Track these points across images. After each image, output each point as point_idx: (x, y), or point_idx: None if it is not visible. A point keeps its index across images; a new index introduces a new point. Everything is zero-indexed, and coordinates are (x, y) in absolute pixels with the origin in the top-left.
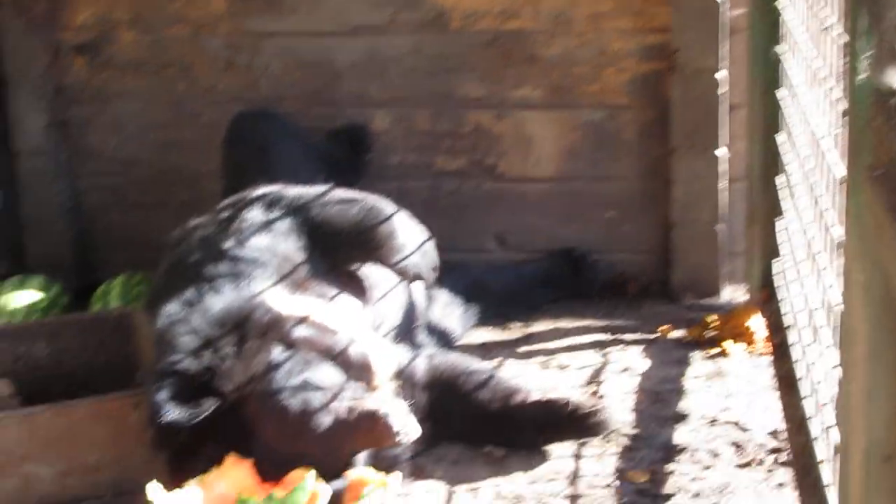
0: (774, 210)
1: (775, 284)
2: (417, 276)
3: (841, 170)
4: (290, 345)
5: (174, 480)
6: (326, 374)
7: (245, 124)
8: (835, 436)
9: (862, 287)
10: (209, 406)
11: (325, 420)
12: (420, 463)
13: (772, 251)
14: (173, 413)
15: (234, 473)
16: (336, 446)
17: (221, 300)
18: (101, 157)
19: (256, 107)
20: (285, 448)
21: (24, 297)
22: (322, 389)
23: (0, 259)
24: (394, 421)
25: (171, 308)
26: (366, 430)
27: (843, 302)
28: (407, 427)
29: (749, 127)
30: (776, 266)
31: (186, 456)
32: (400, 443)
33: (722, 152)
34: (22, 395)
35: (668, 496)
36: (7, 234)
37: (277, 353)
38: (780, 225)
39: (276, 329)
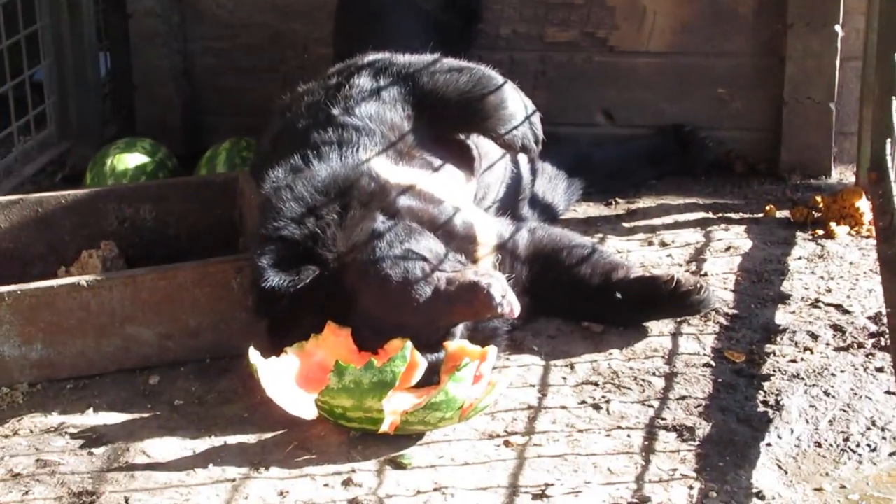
0: (890, 90)
1: (886, 166)
2: (524, 149)
3: None
4: (394, 214)
5: (274, 346)
6: (429, 245)
7: None
8: None
9: None
10: (310, 273)
11: (426, 290)
12: (517, 337)
13: (884, 132)
14: (275, 279)
15: (333, 341)
16: (436, 317)
17: (327, 167)
18: (213, 21)
19: None
20: (385, 318)
21: (132, 159)
22: (424, 259)
23: (109, 121)
24: (494, 293)
25: (277, 173)
26: (466, 302)
27: None
28: (506, 299)
29: (869, 2)
30: (888, 147)
31: (286, 322)
32: (500, 315)
33: (838, 29)
34: (127, 256)
35: (766, 377)
36: (117, 97)
37: (380, 222)
38: (895, 105)
39: (380, 198)
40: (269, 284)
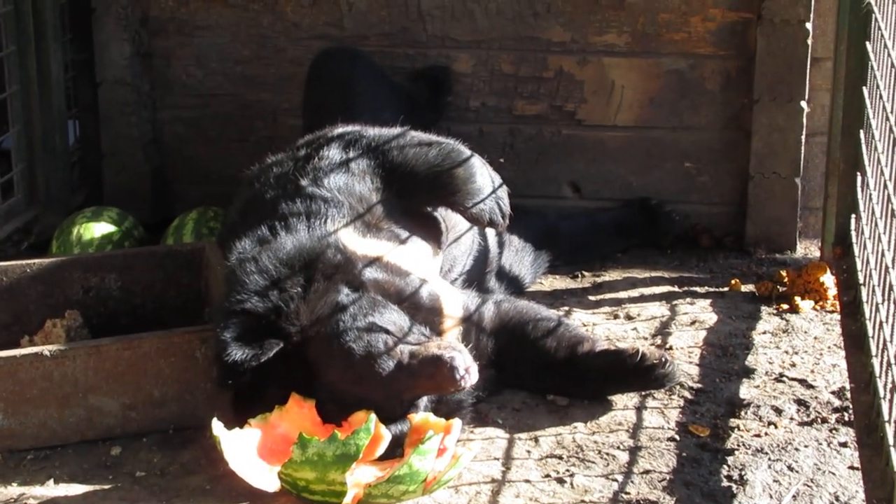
0: (855, 165)
1: (850, 241)
2: (491, 223)
3: None
4: (359, 286)
5: (237, 418)
6: (393, 317)
7: (328, 62)
8: None
9: None
10: (273, 347)
11: (389, 364)
12: (482, 409)
13: (848, 207)
14: (237, 353)
15: (297, 413)
16: (399, 390)
17: (293, 239)
18: (182, 90)
19: (340, 45)
20: (348, 391)
21: (98, 228)
22: (387, 333)
23: (76, 189)
24: (457, 367)
25: (244, 244)
26: (429, 376)
27: None
28: (470, 373)
29: (834, 79)
30: (852, 222)
31: (250, 395)
32: (462, 389)
33: (804, 105)
34: (91, 326)
35: (730, 451)
36: (85, 165)
37: (345, 294)
38: (859, 181)
39: (345, 270)
40: (231, 359)
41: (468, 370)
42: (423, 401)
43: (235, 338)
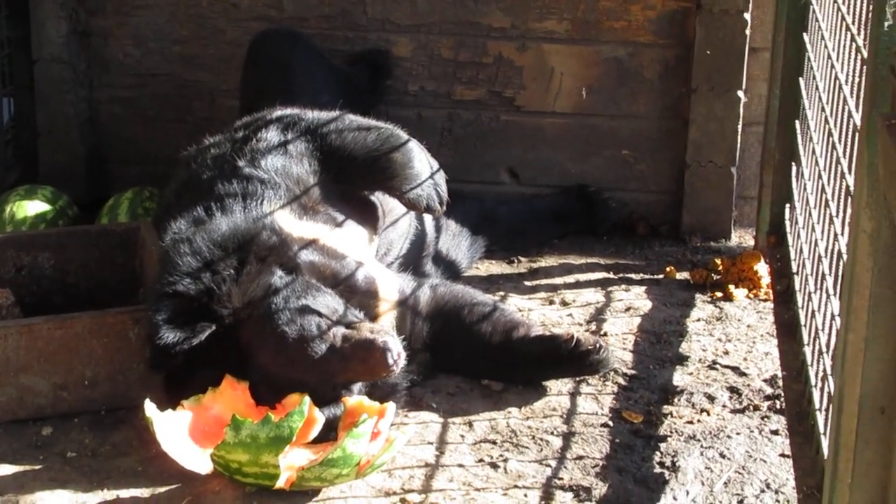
0: (790, 155)
1: (784, 230)
2: (428, 209)
3: (858, 117)
4: (294, 268)
5: (170, 400)
6: (326, 301)
7: (267, 44)
8: (831, 385)
9: (869, 236)
10: (205, 330)
11: (321, 347)
12: (417, 393)
13: (783, 197)
14: (169, 335)
15: (231, 395)
16: (332, 374)
17: (228, 220)
18: (120, 69)
19: (280, 26)
20: (281, 373)
21: (32, 206)
22: (320, 316)
23: (11, 167)
24: (388, 352)
25: (179, 225)
26: (361, 360)
27: (848, 250)
28: (400, 359)
29: (771, 69)
30: (787, 212)
31: (183, 377)
32: (393, 374)
33: (741, 94)
34: (23, 305)
35: (663, 438)
36: (20, 143)
37: (278, 276)
38: (794, 171)
39: (279, 252)
40: (163, 342)
41: (400, 355)
42: (358, 384)
43: (167, 320)
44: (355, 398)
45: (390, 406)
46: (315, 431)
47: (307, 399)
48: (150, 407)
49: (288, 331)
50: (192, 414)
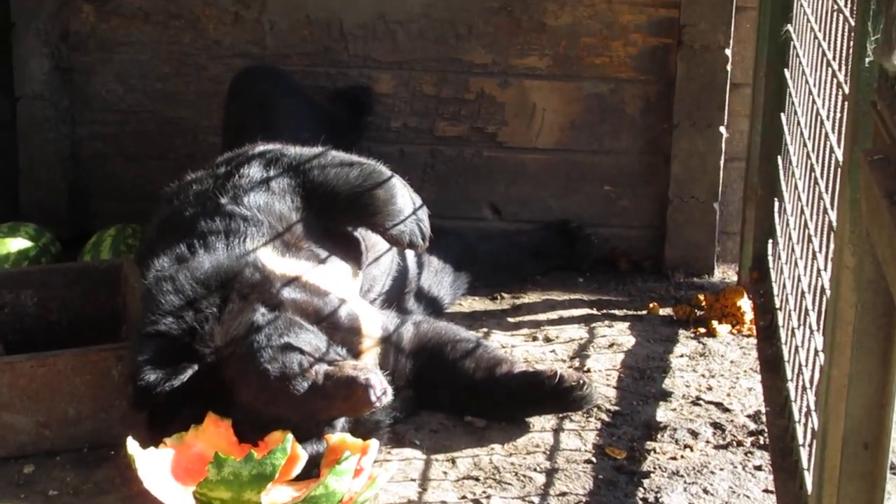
0: (772, 191)
1: (767, 266)
2: (411, 245)
3: (840, 153)
4: (276, 306)
5: (152, 437)
6: (309, 338)
7: (249, 80)
8: (815, 421)
9: (851, 271)
10: (188, 371)
11: (304, 385)
12: (400, 430)
13: (766, 232)
14: (151, 375)
15: (213, 433)
16: (314, 411)
17: (211, 258)
18: (102, 106)
19: (261, 63)
20: (264, 411)
21: (15, 244)
22: (303, 353)
23: None
24: (371, 389)
25: (162, 262)
26: (343, 397)
27: (831, 286)
28: (384, 396)
29: (753, 105)
30: (769, 247)
31: (165, 414)
32: (376, 411)
33: (723, 130)
34: (6, 343)
35: (646, 474)
36: (1, 180)
37: (260, 314)
38: (777, 206)
39: (262, 289)
40: (145, 382)
41: (383, 392)
42: (341, 421)
43: (149, 360)
44: (338, 435)
45: (373, 443)
46: (298, 468)
47: (290, 436)
48: (132, 444)
49: (270, 368)
50: (175, 451)
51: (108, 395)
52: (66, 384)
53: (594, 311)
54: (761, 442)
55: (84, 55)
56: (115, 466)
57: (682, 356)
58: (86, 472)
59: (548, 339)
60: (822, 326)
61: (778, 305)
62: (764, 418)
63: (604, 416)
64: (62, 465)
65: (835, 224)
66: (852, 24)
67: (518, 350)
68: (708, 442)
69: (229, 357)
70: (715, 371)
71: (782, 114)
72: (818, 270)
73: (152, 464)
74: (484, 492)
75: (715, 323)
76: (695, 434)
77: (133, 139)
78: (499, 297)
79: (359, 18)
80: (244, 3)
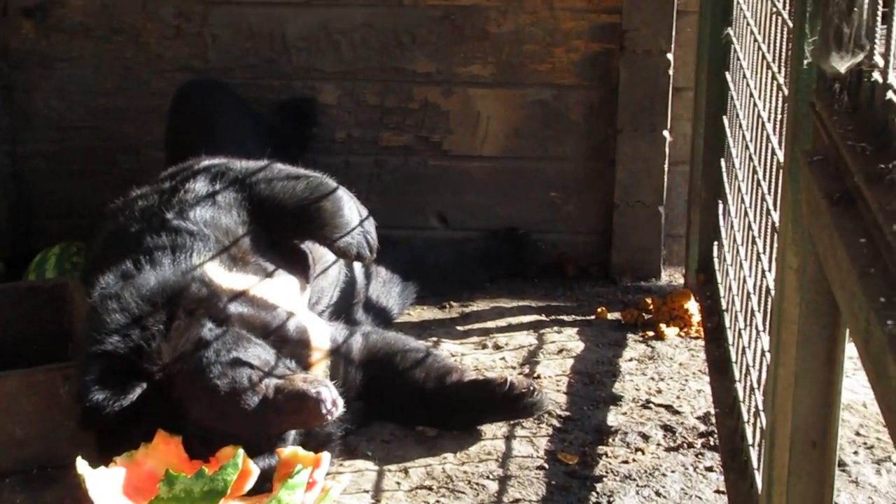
0: (716, 193)
1: (713, 268)
2: (358, 257)
3: (781, 154)
4: (224, 320)
5: (102, 457)
6: (257, 352)
7: (192, 94)
8: (763, 420)
9: (795, 272)
10: (136, 389)
11: (253, 399)
12: (351, 441)
13: (711, 235)
14: (100, 396)
15: (164, 450)
16: (265, 426)
17: (157, 274)
18: (44, 123)
19: (204, 76)
20: (214, 427)
21: None
22: (252, 367)
23: None
24: (323, 401)
25: (107, 279)
26: (294, 411)
27: (775, 286)
28: (336, 408)
29: (695, 109)
30: (715, 250)
31: (115, 433)
32: (327, 423)
33: (666, 134)
34: None
35: (598, 478)
36: None
37: (208, 329)
38: (721, 209)
39: (209, 304)
40: (93, 402)
41: (334, 403)
42: (292, 434)
43: (96, 380)
44: (290, 448)
45: (325, 455)
46: (250, 483)
47: (241, 451)
48: (82, 464)
49: (219, 384)
50: (125, 470)
51: (56, 415)
52: (12, 405)
53: (543, 318)
54: (711, 443)
55: (24, 72)
56: (64, 487)
57: (631, 360)
58: (35, 494)
59: (497, 347)
60: (767, 327)
61: (724, 307)
62: (713, 419)
63: (555, 422)
64: (11, 486)
65: (778, 225)
66: (790, 25)
67: (468, 358)
68: (659, 445)
69: (178, 374)
70: (664, 374)
71: (724, 117)
72: (763, 271)
73: (103, 483)
74: (437, 501)
75: (663, 326)
76: (646, 437)
77: (76, 156)
78: (447, 306)
79: (301, 30)
80: (185, 16)
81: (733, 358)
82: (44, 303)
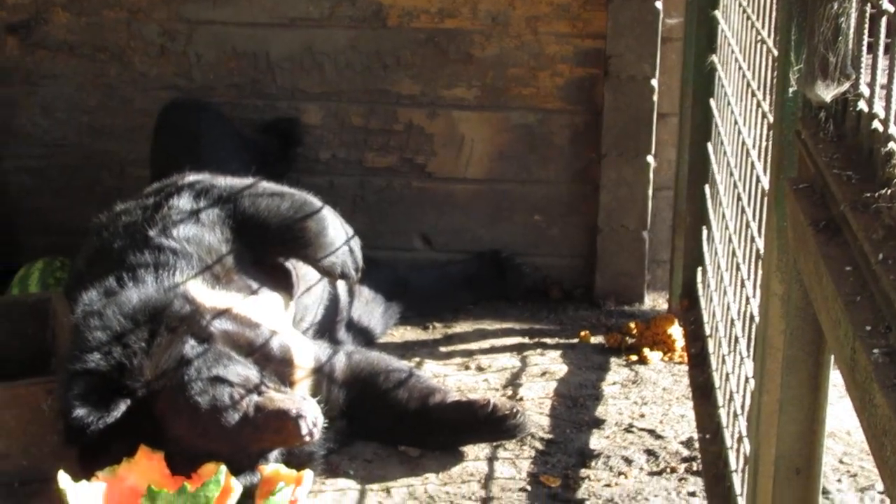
0: (700, 219)
1: (697, 294)
2: (343, 276)
3: (766, 182)
4: (206, 338)
5: (84, 471)
6: (239, 370)
7: (176, 113)
8: (747, 446)
9: (780, 299)
10: (119, 407)
11: (234, 417)
12: (334, 460)
13: (695, 260)
14: (81, 412)
15: (146, 465)
16: (245, 444)
17: (139, 291)
18: (28, 140)
19: (188, 95)
20: (195, 444)
21: None
22: (233, 385)
23: None
24: (304, 420)
25: (90, 296)
26: (274, 430)
27: (760, 313)
28: (316, 428)
29: (680, 135)
30: (699, 275)
31: (97, 449)
32: (308, 443)
33: (650, 160)
34: None
35: (580, 501)
36: None
37: (190, 347)
38: (705, 234)
39: (191, 322)
40: (76, 420)
41: (315, 423)
42: (274, 452)
43: (79, 397)
44: (272, 466)
45: (307, 474)
46: (232, 501)
47: (223, 468)
48: (64, 479)
49: (201, 401)
50: (107, 485)
51: (39, 429)
52: None
53: (526, 340)
54: (694, 468)
55: (9, 88)
56: (46, 501)
57: (614, 384)
58: None
59: (480, 368)
60: (752, 353)
61: (708, 332)
62: (697, 444)
63: (537, 445)
64: None
65: (762, 252)
66: (776, 54)
67: (451, 379)
68: (641, 469)
69: (160, 391)
70: (647, 398)
71: (709, 143)
72: (747, 298)
73: (85, 498)
74: None
75: (646, 350)
76: (628, 461)
77: (60, 172)
78: (431, 327)
79: (286, 50)
80: (170, 35)
81: (717, 383)
82: (27, 317)
